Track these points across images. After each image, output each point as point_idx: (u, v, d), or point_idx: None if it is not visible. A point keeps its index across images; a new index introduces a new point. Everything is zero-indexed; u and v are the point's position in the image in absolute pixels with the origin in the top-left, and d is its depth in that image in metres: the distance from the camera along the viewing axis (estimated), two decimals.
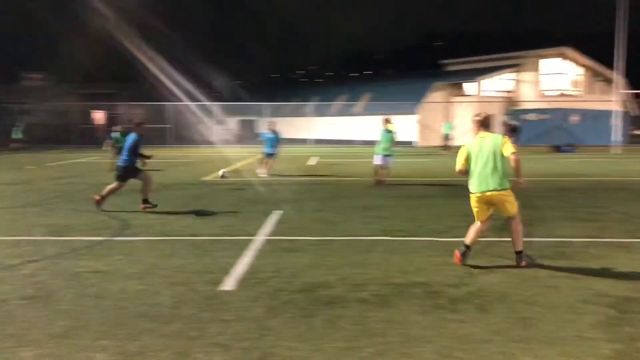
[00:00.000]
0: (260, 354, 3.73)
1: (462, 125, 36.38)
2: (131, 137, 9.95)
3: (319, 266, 5.94)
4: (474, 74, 39.02)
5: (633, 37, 30.85)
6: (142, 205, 9.66)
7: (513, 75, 40.25)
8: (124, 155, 9.89)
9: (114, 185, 9.87)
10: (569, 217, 8.92)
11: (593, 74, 41.19)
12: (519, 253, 5.95)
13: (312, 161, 22.41)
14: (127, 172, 9.84)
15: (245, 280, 5.41)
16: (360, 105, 40.79)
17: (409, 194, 11.83)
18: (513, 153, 5.79)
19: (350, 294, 4.98)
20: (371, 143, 34.86)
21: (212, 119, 40.97)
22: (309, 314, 4.47)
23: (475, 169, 5.92)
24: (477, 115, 6.20)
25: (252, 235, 7.51)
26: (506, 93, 40.02)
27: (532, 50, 39.85)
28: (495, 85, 39.73)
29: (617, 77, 31.31)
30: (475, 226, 6.06)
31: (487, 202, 5.92)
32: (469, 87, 39.23)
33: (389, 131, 13.94)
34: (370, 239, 7.36)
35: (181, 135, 35.82)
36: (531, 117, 36.38)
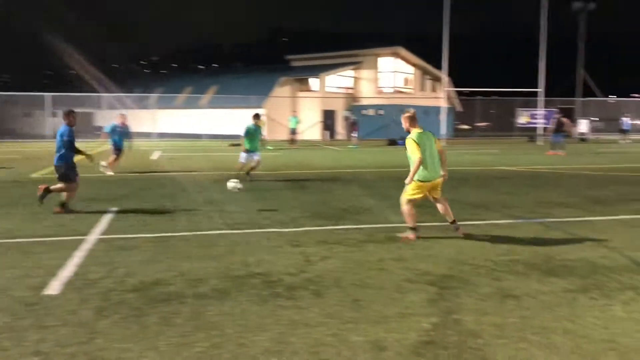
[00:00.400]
0: (87, 359, 3.50)
1: (308, 119, 37.47)
2: (61, 130, 8.72)
3: (156, 263, 5.72)
4: (318, 70, 40.35)
5: (456, 39, 34.01)
6: (57, 208, 8.60)
7: (353, 73, 42.31)
8: (58, 153, 8.70)
9: (61, 185, 8.74)
10: (388, 204, 9.55)
11: (423, 72, 44.77)
12: (453, 222, 7.07)
13: (155, 155, 21.56)
14: (68, 170, 8.71)
15: (73, 283, 5.03)
16: (206, 98, 40.11)
17: (255, 187, 11.88)
18: (442, 146, 7.05)
19: (188, 290, 4.87)
20: (218, 137, 34.51)
21: (43, 110, 37.60)
22: (143, 313, 4.29)
23: (425, 160, 6.69)
24: (407, 112, 6.94)
25: (84, 234, 7.02)
26: (347, 89, 41.95)
27: (370, 49, 42.20)
28: (338, 81, 41.46)
29: (443, 75, 34.35)
30: (410, 208, 6.86)
31: (430, 187, 6.90)
32: (313, 82, 40.44)
33: (259, 127, 13.68)
34: (212, 233, 7.27)
35: (4, 128, 32.38)
36: (370, 112, 38.54)
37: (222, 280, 5.18)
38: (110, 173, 14.23)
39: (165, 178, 13.79)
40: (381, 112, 38.74)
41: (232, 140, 31.53)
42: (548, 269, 5.61)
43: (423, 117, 43.38)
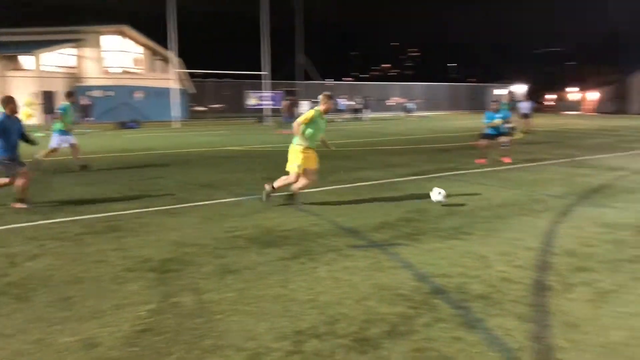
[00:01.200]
0: None
1: (22, 102, 33.18)
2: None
3: None
4: (31, 47, 35.97)
5: (185, 20, 33.70)
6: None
7: (74, 51, 38.86)
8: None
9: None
10: (125, 191, 9.16)
11: (153, 53, 43.43)
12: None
13: None
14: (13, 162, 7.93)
15: None
16: None
17: None
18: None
19: None
20: None
21: None
22: None
23: None
24: (327, 92, 8.12)
25: None
26: (69, 68, 38.39)
27: (91, 26, 39.23)
28: (57, 60, 37.61)
29: (173, 56, 33.81)
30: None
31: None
32: (26, 60, 36.00)
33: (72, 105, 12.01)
34: None
35: None
36: (97, 94, 35.99)
37: None
38: None
39: None
40: (111, 93, 36.48)
41: None
42: (267, 240, 5.97)
43: (155, 99, 42.37)
